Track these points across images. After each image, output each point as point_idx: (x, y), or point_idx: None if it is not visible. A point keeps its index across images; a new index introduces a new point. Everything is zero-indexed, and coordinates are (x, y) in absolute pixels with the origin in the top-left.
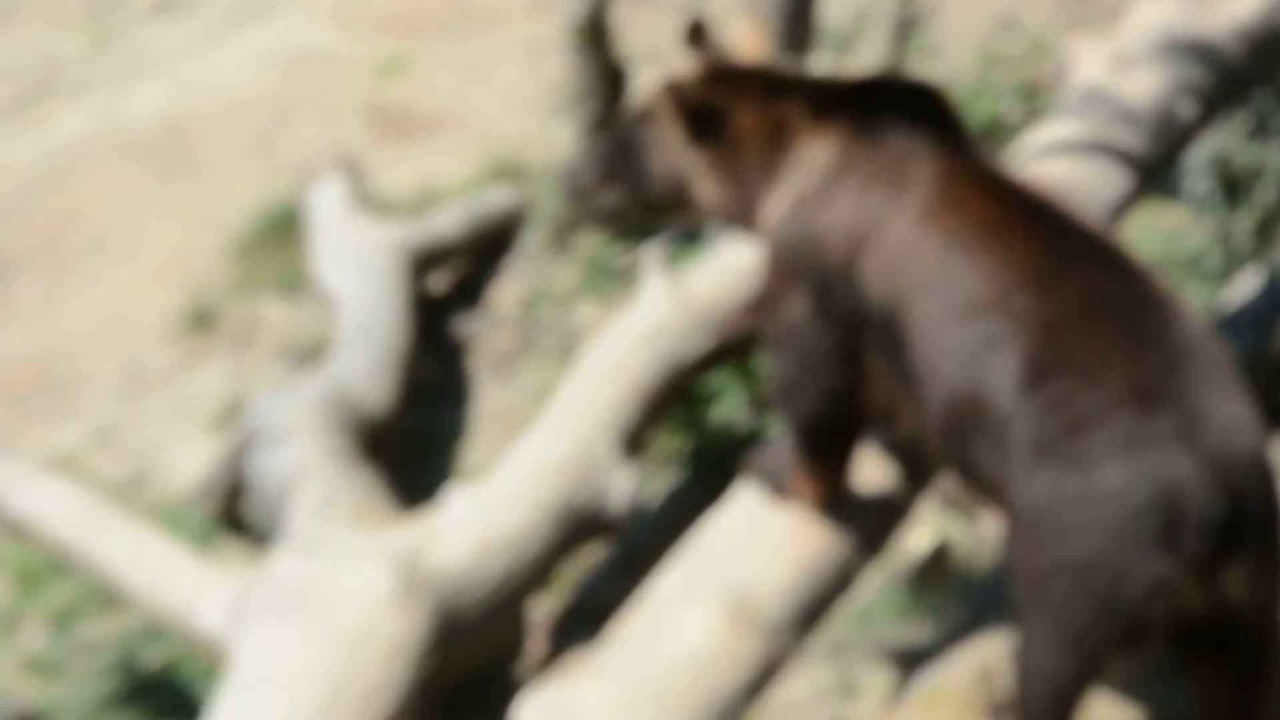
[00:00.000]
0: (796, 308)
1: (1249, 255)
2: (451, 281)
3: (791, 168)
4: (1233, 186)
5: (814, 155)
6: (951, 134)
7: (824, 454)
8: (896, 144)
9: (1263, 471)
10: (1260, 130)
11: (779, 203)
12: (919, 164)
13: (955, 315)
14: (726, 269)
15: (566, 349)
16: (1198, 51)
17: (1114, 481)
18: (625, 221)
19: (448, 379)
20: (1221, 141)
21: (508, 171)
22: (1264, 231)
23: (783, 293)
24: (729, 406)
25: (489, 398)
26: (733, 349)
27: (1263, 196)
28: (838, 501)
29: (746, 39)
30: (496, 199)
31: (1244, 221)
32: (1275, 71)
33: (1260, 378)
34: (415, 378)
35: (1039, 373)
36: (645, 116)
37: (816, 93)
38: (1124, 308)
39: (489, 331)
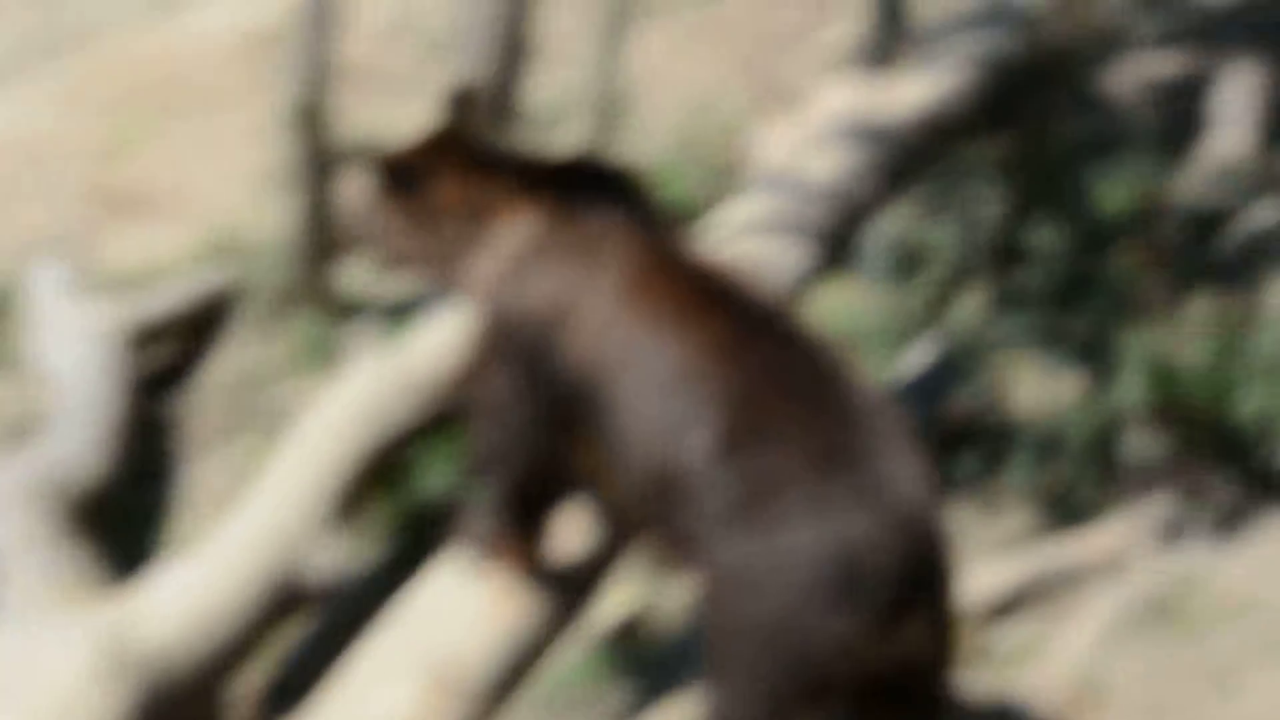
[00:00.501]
0: (504, 376)
1: (922, 326)
2: (168, 358)
3: (493, 239)
4: (908, 262)
5: (516, 230)
6: (645, 215)
7: (525, 522)
8: (593, 224)
9: (937, 531)
10: (932, 209)
11: (485, 272)
12: (613, 244)
13: (652, 390)
14: (442, 342)
15: (278, 426)
16: (876, 134)
17: (799, 543)
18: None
19: (163, 455)
20: (898, 220)
21: (227, 249)
22: (935, 305)
23: (491, 361)
24: (438, 475)
25: (202, 473)
26: (444, 416)
27: (934, 272)
28: (540, 567)
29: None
30: (215, 276)
31: (917, 295)
32: (946, 153)
33: (934, 441)
34: (130, 453)
35: (730, 443)
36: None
37: (522, 170)
38: (804, 379)
39: (204, 408)
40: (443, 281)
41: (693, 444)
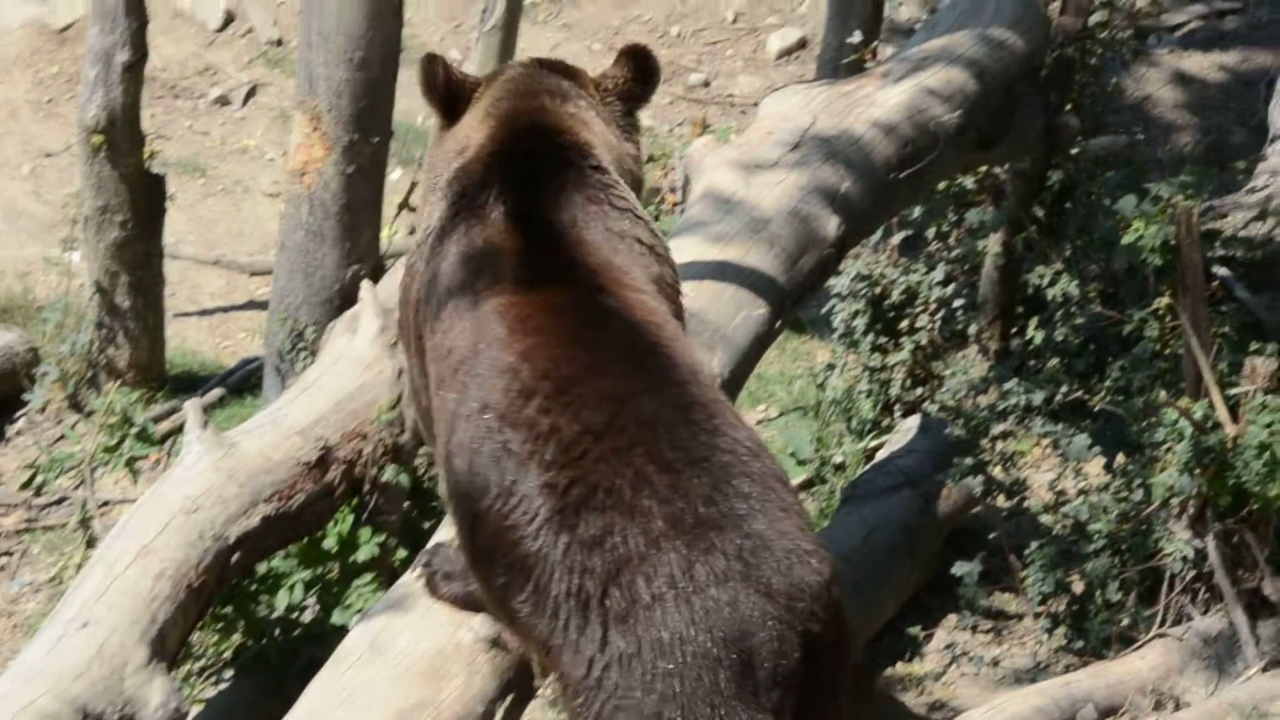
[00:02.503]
0: (409, 352)
1: (909, 395)
2: None
3: (443, 186)
4: (888, 315)
5: (448, 195)
6: (559, 192)
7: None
8: (491, 204)
9: (830, 599)
10: (910, 248)
11: (420, 232)
12: (497, 230)
13: (470, 418)
14: (283, 424)
15: (86, 529)
16: (842, 153)
17: (674, 631)
18: None
19: None
20: (874, 262)
21: (10, 312)
22: (925, 368)
23: (401, 332)
24: (291, 595)
25: None
26: (295, 524)
27: (922, 327)
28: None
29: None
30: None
31: (902, 356)
32: (931, 178)
33: (926, 541)
34: None
35: (571, 508)
36: None
37: (497, 127)
38: (661, 418)
39: None
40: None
41: (525, 502)
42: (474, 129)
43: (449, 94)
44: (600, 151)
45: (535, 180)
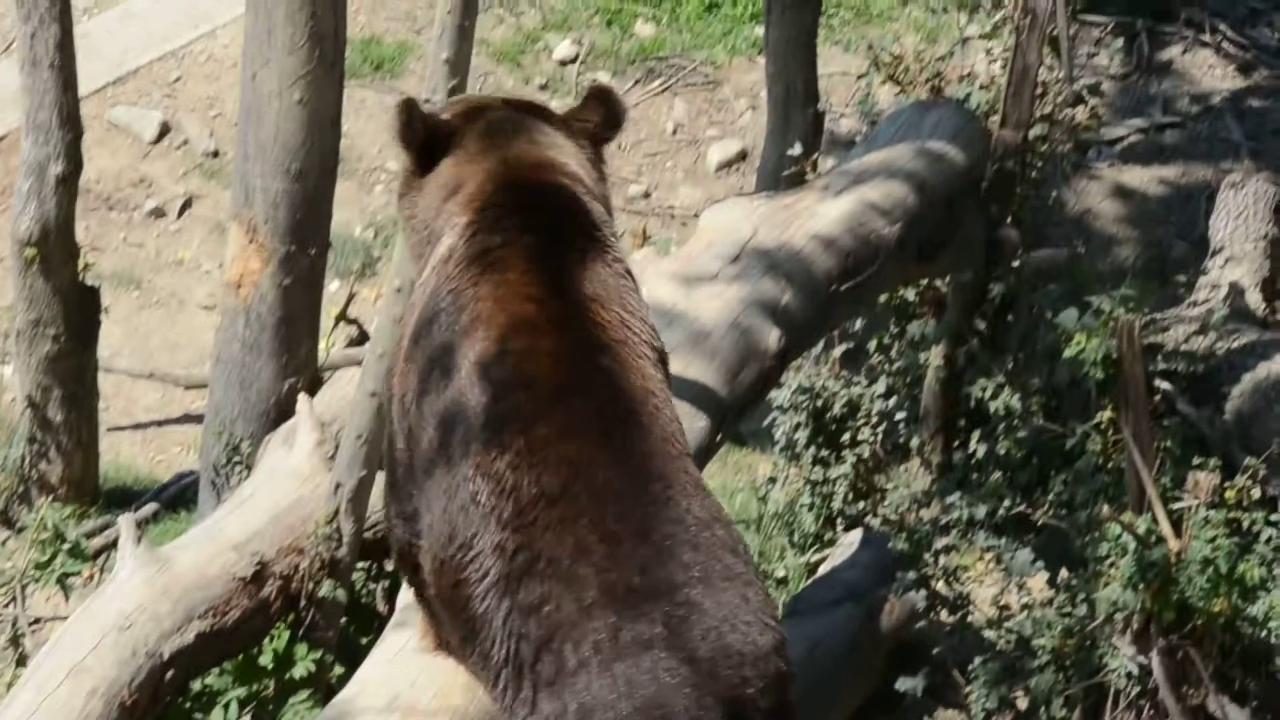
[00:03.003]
0: (395, 404)
1: (851, 509)
2: None
3: (440, 238)
4: (829, 429)
5: (449, 237)
6: (566, 247)
7: (427, 601)
8: (495, 243)
9: (769, 667)
10: (852, 360)
11: (424, 272)
12: (505, 268)
13: (446, 465)
14: (218, 539)
15: (16, 647)
16: (783, 265)
17: (596, 697)
18: None
19: None
20: (814, 375)
21: None
22: (866, 482)
23: (393, 383)
24: (225, 712)
25: None
26: (230, 640)
27: (863, 441)
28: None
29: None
30: None
31: (844, 470)
32: (872, 290)
33: (869, 656)
34: None
35: (515, 574)
36: None
37: (498, 168)
38: (613, 488)
39: None
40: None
41: (479, 559)
42: (465, 171)
43: (428, 139)
44: (593, 200)
45: (544, 227)
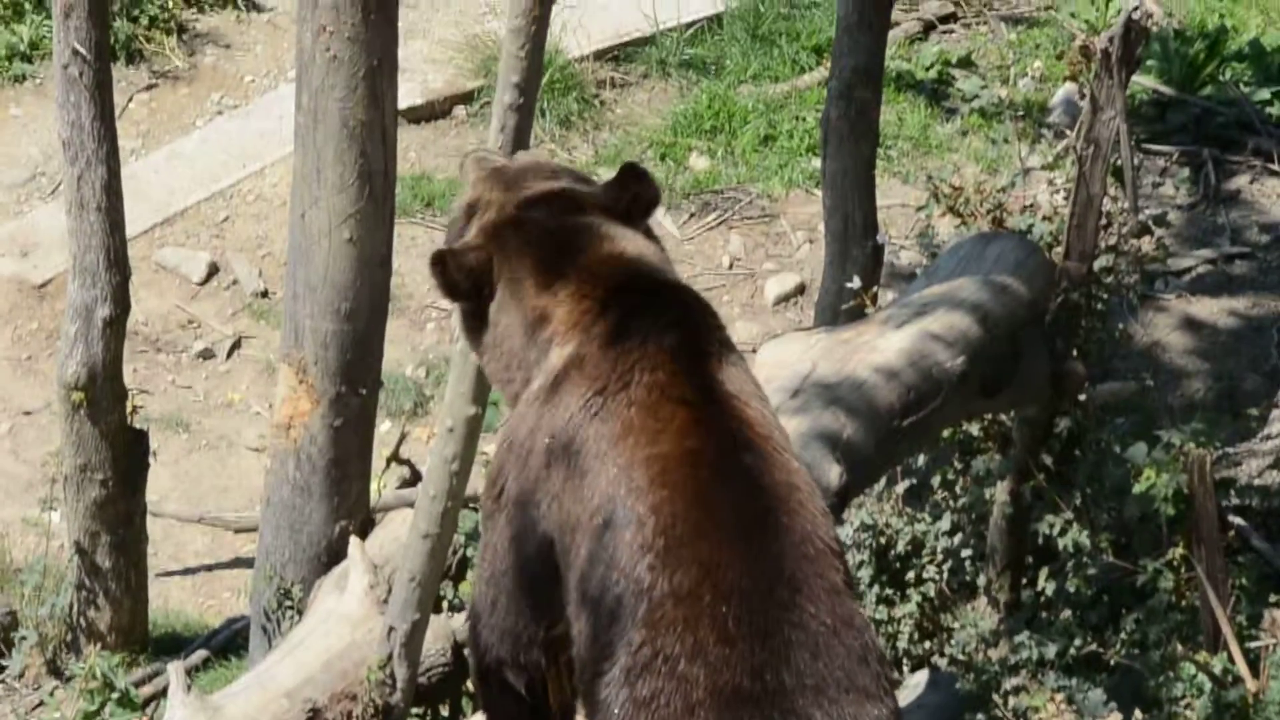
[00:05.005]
0: (499, 524)
1: (916, 651)
2: None
3: (542, 363)
4: (893, 568)
5: (559, 353)
6: (702, 345)
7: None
8: (631, 347)
9: None
10: (915, 497)
11: (524, 394)
12: (641, 371)
13: (594, 572)
14: (270, 686)
15: None
16: (841, 400)
17: None
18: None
19: None
20: (874, 510)
21: None
22: (931, 623)
23: (489, 506)
24: None
25: None
26: None
27: (923, 584)
28: None
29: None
30: None
31: (907, 611)
32: (935, 427)
33: None
34: None
35: (636, 667)
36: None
37: (589, 281)
38: (740, 590)
39: None
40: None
41: (611, 653)
42: (546, 300)
43: (476, 281)
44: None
45: (673, 326)
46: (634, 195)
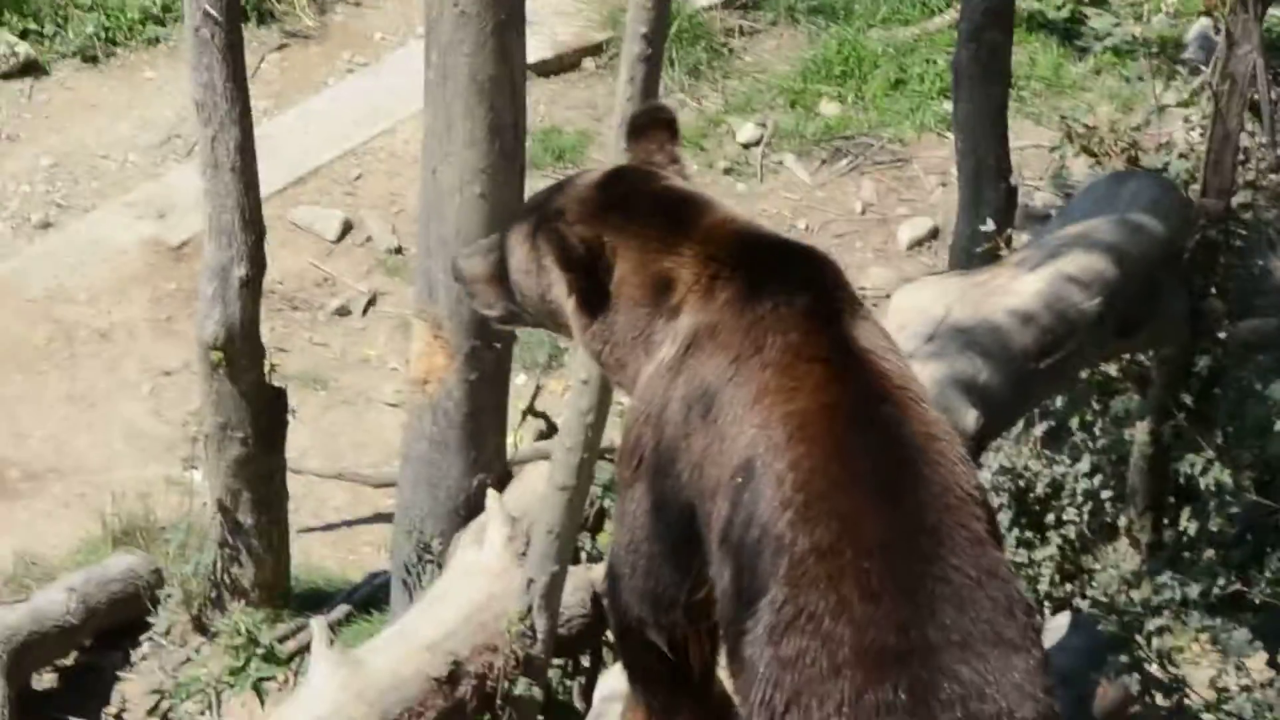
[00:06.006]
0: (637, 493)
1: (1057, 592)
2: (65, 675)
3: (668, 332)
4: (1031, 509)
5: (687, 319)
6: (833, 304)
7: (653, 679)
8: (765, 308)
9: None
10: (1053, 439)
11: (647, 367)
12: (777, 331)
13: (734, 531)
14: (412, 639)
15: None
16: (978, 343)
17: None
18: (514, 324)
19: None
20: (1015, 456)
21: (132, 534)
22: (1073, 563)
23: (626, 474)
24: None
25: None
26: None
27: (1063, 526)
28: None
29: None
30: (119, 568)
31: (1048, 552)
32: (1074, 368)
33: None
34: None
35: (779, 625)
36: (532, 230)
37: (712, 243)
38: (881, 544)
39: None
40: (615, 379)
41: (757, 612)
42: (666, 263)
43: (590, 252)
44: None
45: (804, 285)
46: (665, 136)
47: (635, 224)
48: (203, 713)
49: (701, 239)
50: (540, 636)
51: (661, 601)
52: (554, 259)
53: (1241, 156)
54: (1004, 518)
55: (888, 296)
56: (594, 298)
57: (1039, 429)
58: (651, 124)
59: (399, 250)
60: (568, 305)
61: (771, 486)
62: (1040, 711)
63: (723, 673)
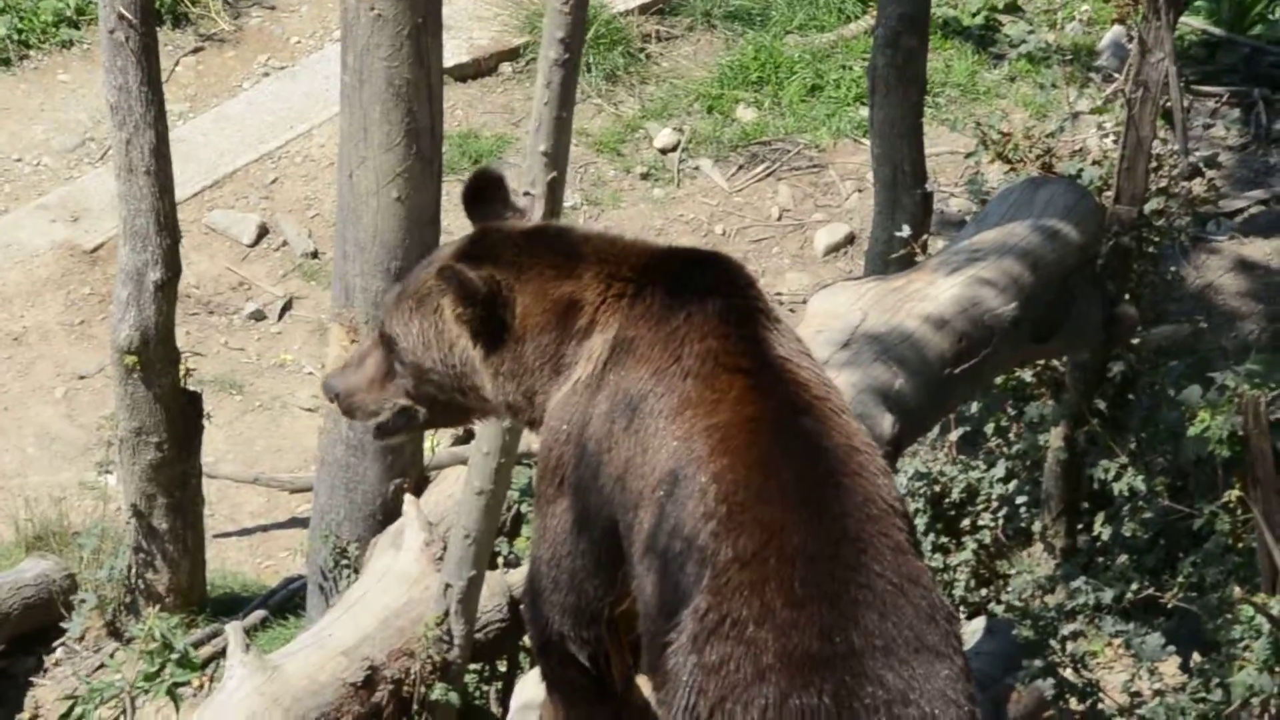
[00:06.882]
0: (558, 510)
1: (972, 597)
2: None
3: (580, 353)
4: (946, 516)
5: (600, 337)
6: (747, 310)
7: (571, 688)
8: (680, 319)
9: None
10: (969, 444)
11: (558, 392)
12: (694, 341)
13: (659, 541)
14: (327, 644)
15: None
16: (894, 349)
17: None
18: (412, 428)
19: None
20: (928, 459)
21: (45, 539)
22: (987, 569)
23: (546, 491)
24: None
25: None
26: None
27: (978, 531)
28: None
29: (340, 343)
30: (32, 574)
31: (963, 558)
32: (988, 373)
33: None
34: None
35: (703, 632)
36: (423, 298)
37: (613, 263)
38: (805, 552)
39: None
40: (526, 420)
41: (680, 622)
42: (568, 287)
43: (491, 289)
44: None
45: (715, 293)
46: (502, 200)
47: (524, 260)
48: (117, 718)
49: (597, 260)
50: (457, 642)
51: (584, 615)
52: (452, 303)
53: (1154, 163)
54: (920, 523)
55: (804, 301)
56: (497, 329)
57: (954, 434)
58: (486, 186)
59: (315, 254)
60: (475, 355)
61: (695, 498)
62: (963, 717)
63: (642, 681)
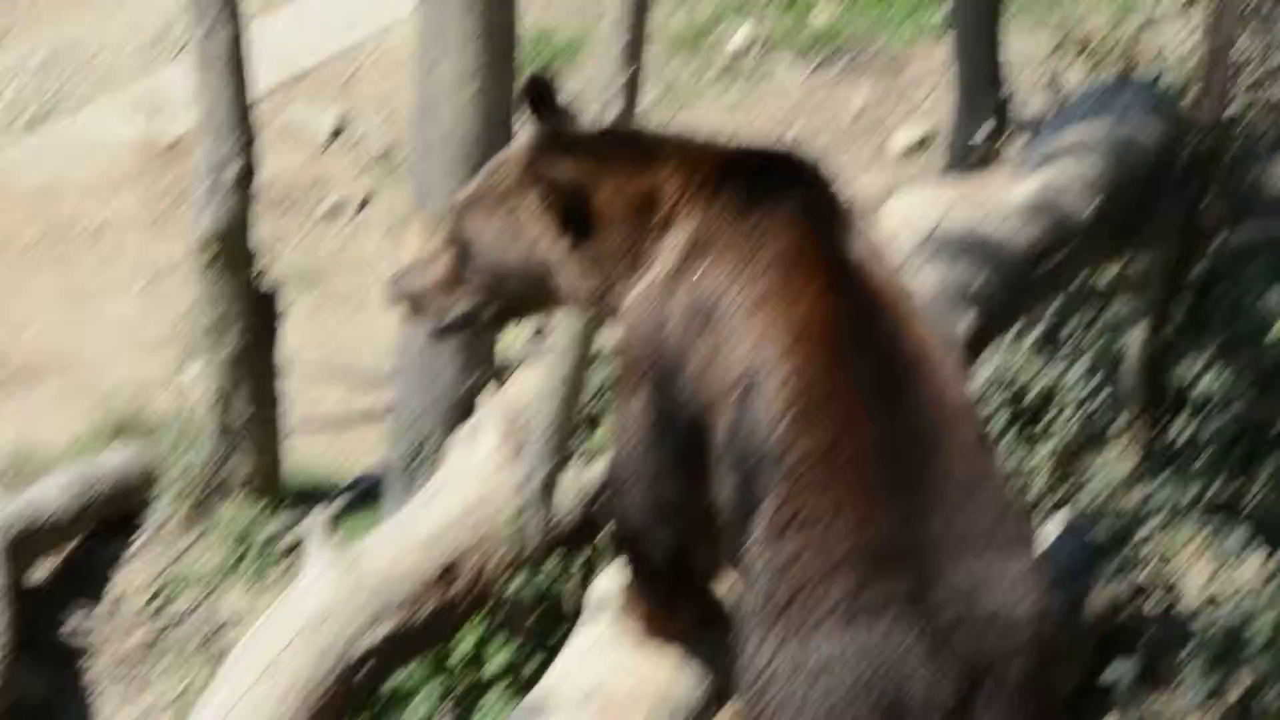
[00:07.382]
0: (637, 407)
1: (1051, 497)
2: (62, 566)
3: (659, 248)
4: (1027, 414)
5: (679, 233)
6: (823, 208)
7: (652, 579)
8: (758, 216)
9: (1019, 638)
10: (1050, 342)
11: (637, 286)
12: (773, 238)
13: (737, 437)
14: (409, 535)
15: (210, 646)
16: (973, 248)
17: (829, 654)
18: (475, 328)
19: (60, 689)
20: (1010, 360)
21: (128, 427)
22: (1066, 468)
23: (626, 388)
24: (421, 710)
25: (113, 710)
26: (420, 638)
27: (1063, 426)
28: (683, 637)
29: (419, 237)
30: (115, 462)
31: (1042, 456)
32: (1069, 272)
33: (1074, 647)
34: (18, 690)
35: (778, 526)
36: (501, 198)
37: (690, 160)
38: (878, 448)
39: (112, 628)
40: (606, 313)
41: (756, 516)
42: (648, 179)
43: (575, 183)
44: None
45: (795, 193)
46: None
47: (601, 160)
48: (198, 606)
49: (674, 157)
50: (535, 535)
51: (663, 512)
52: (538, 199)
53: (1236, 67)
54: (998, 423)
55: (882, 201)
56: (581, 225)
57: (1033, 335)
58: (546, 90)
59: (392, 151)
60: (557, 249)
61: (769, 396)
62: (1034, 609)
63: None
